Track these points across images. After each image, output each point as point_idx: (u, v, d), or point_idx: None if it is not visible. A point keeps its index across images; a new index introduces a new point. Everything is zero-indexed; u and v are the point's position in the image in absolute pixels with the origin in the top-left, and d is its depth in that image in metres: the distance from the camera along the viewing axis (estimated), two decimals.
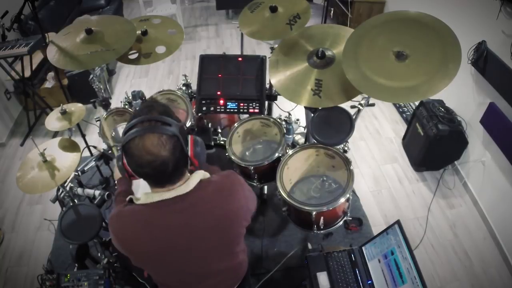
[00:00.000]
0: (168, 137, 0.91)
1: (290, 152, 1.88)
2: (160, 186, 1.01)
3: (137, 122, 0.92)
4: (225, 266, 1.20)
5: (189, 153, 0.98)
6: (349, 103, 1.74)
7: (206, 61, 2.10)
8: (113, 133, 2.24)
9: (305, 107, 1.82)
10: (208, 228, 1.04)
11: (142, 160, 0.90)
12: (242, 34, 2.73)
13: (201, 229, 1.04)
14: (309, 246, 2.16)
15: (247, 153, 1.96)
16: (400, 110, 3.39)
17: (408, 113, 3.29)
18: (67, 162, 1.81)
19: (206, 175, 1.09)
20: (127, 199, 1.08)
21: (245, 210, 1.11)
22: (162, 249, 1.04)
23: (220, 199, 1.06)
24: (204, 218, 1.03)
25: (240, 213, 1.09)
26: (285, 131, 1.98)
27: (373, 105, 1.83)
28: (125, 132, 0.94)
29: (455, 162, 2.77)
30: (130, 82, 4.04)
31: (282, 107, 2.26)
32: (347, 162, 1.78)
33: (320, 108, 1.78)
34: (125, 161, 0.98)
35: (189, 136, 1.01)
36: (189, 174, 1.06)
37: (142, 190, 1.25)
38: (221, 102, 2.03)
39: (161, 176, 0.96)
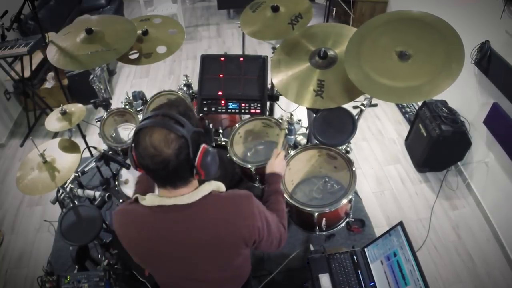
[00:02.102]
0: (176, 137, 0.90)
1: (292, 153, 1.87)
2: (162, 186, 1.00)
3: (154, 114, 0.93)
4: (224, 276, 1.17)
5: (196, 161, 0.94)
6: (352, 103, 1.72)
7: (207, 61, 2.09)
8: (114, 133, 2.23)
9: (307, 107, 1.81)
10: (203, 242, 1.02)
11: (146, 151, 0.91)
12: (243, 34, 2.71)
13: (196, 242, 1.01)
14: (311, 247, 2.15)
15: (248, 153, 1.94)
16: (403, 110, 3.38)
17: (411, 113, 3.28)
18: (67, 163, 1.80)
19: (221, 187, 1.06)
20: (133, 198, 1.07)
21: (247, 238, 1.04)
22: (157, 253, 1.04)
23: (222, 220, 1.01)
24: (200, 233, 1.01)
25: (239, 241, 1.04)
26: (287, 131, 1.96)
27: (375, 105, 1.82)
28: (141, 121, 0.95)
29: (458, 163, 2.75)
30: (130, 82, 4.03)
31: (284, 107, 2.25)
32: (349, 163, 1.77)
33: (322, 108, 1.77)
34: (133, 148, 0.97)
35: (202, 145, 0.97)
36: (197, 183, 1.03)
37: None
38: (223, 102, 2.01)
39: (161, 174, 0.94)
